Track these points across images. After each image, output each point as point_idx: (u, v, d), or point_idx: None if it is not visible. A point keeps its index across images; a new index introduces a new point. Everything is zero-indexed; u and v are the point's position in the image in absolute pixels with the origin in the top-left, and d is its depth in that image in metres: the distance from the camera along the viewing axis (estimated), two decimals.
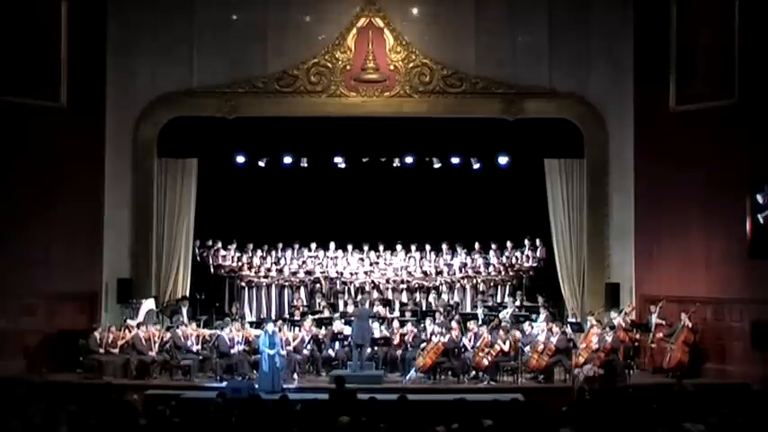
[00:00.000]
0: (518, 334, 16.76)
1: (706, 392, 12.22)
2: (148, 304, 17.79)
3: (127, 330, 16.86)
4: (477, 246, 19.52)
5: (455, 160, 19.25)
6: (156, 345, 16.61)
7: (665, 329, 17.04)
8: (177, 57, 18.54)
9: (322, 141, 18.84)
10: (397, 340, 17.11)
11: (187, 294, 18.76)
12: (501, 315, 17.99)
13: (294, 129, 18.69)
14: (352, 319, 17.09)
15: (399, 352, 16.97)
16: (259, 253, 19.66)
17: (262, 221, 20.03)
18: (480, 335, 16.60)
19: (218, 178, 19.51)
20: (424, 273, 19.39)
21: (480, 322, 17.58)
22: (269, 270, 19.45)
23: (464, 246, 19.59)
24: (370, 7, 18.58)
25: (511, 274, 19.27)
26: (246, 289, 19.55)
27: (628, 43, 18.46)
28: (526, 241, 19.38)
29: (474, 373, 16.47)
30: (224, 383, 15.47)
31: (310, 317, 17.79)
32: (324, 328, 17.47)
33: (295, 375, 16.35)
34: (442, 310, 18.31)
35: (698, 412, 9.27)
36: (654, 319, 17.27)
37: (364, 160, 19.57)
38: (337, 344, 17.12)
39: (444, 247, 19.68)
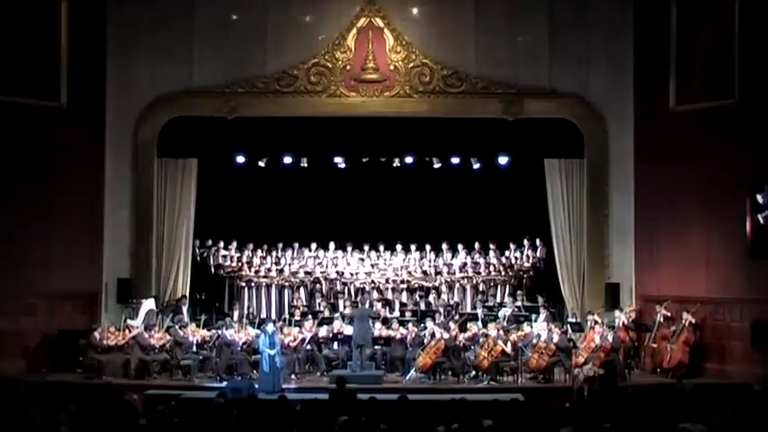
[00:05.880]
0: (518, 334, 16.78)
1: (706, 392, 12.21)
2: (148, 304, 17.79)
3: (127, 330, 16.87)
4: (477, 246, 19.51)
5: (455, 160, 19.25)
6: (157, 345, 16.61)
7: (669, 329, 17.03)
8: (177, 57, 18.53)
9: (322, 141, 18.83)
10: (396, 339, 17.12)
11: (187, 294, 18.77)
12: (499, 315, 18.01)
13: (294, 129, 18.68)
14: (353, 319, 17.08)
15: (399, 352, 16.98)
16: (259, 253, 19.65)
17: (262, 221, 20.03)
18: (483, 334, 16.63)
19: (218, 178, 19.51)
20: (424, 273, 19.39)
21: (481, 323, 17.59)
22: (269, 270, 19.46)
23: (464, 246, 19.58)
24: (370, 7, 18.58)
25: (511, 274, 19.27)
26: (246, 289, 19.55)
27: (628, 43, 18.46)
28: (526, 241, 19.38)
29: (474, 373, 16.48)
30: (224, 383, 15.48)
31: (310, 317, 17.80)
32: (324, 327, 17.47)
33: (292, 376, 16.30)
34: (441, 310, 18.32)
35: (698, 412, 9.26)
36: (659, 319, 17.25)
37: (364, 160, 19.57)
38: (336, 344, 17.12)
39: (444, 247, 19.68)
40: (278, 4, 18.65)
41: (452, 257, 19.58)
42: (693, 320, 16.78)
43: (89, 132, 18.32)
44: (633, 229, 18.45)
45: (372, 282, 19.45)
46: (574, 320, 17.85)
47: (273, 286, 19.59)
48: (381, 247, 19.85)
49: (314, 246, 19.91)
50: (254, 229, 19.99)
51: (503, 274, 19.27)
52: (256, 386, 15.06)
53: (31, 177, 17.39)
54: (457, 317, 17.90)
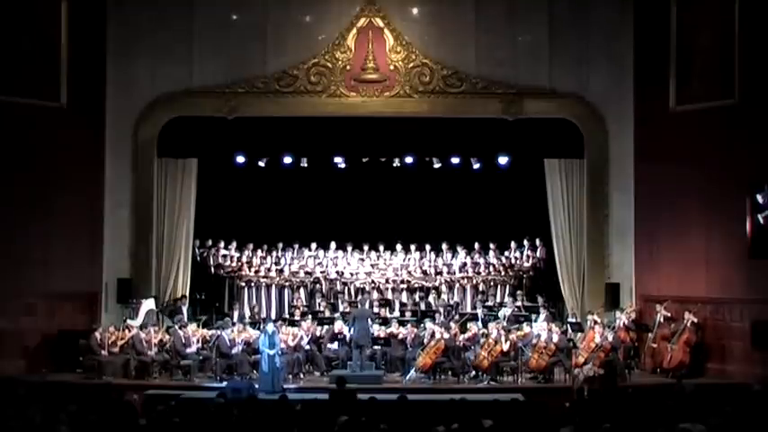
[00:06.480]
0: (518, 334, 16.79)
1: (706, 392, 12.21)
2: (148, 304, 17.79)
3: (127, 330, 16.87)
4: (476, 246, 19.50)
5: (455, 160, 19.25)
6: (156, 345, 16.61)
7: (669, 329, 17.03)
8: (177, 57, 18.53)
9: (322, 141, 18.84)
10: (396, 339, 17.13)
11: (187, 294, 18.77)
12: (499, 315, 18.02)
13: (294, 129, 18.69)
14: (353, 319, 17.07)
15: (399, 352, 16.98)
16: (259, 253, 19.66)
17: (262, 221, 20.04)
18: (483, 333, 16.64)
19: (218, 178, 19.52)
20: (424, 273, 19.39)
21: (481, 323, 17.60)
22: (269, 270, 19.46)
23: (464, 246, 19.58)
24: (370, 7, 18.58)
25: (511, 274, 19.27)
26: (246, 289, 19.55)
27: (628, 43, 18.47)
28: (526, 241, 19.38)
29: (474, 373, 16.48)
30: (224, 383, 15.47)
31: (310, 317, 17.80)
32: (323, 327, 17.48)
33: (289, 376, 16.25)
34: (442, 310, 18.32)
35: (698, 412, 9.27)
36: (659, 319, 17.25)
37: (364, 160, 19.57)
38: (337, 344, 17.12)
39: (444, 247, 19.68)
40: (278, 4, 18.66)
41: (452, 257, 19.59)
42: (695, 320, 16.78)
43: (89, 132, 18.32)
44: (633, 229, 18.45)
45: (372, 282, 19.46)
46: (574, 320, 17.85)
47: (273, 286, 19.60)
48: (381, 247, 19.86)
49: (314, 246, 19.91)
50: (254, 229, 20.00)
51: (503, 274, 19.27)
52: (256, 386, 15.06)
53: (31, 177, 17.39)
54: (457, 317, 17.91)
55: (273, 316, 18.70)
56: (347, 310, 18.32)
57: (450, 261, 19.51)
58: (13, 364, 16.64)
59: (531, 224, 19.32)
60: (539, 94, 18.52)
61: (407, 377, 16.37)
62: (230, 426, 9.39)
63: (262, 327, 16.47)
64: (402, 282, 19.43)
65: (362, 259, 19.77)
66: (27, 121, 17.49)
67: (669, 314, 17.20)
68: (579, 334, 17.06)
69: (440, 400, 12.24)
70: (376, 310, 18.32)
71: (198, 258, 19.57)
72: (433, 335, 16.52)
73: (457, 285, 19.39)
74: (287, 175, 19.69)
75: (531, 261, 19.25)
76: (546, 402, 11.35)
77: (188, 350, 16.45)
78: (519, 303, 18.49)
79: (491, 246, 19.42)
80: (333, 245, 19.89)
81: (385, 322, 17.92)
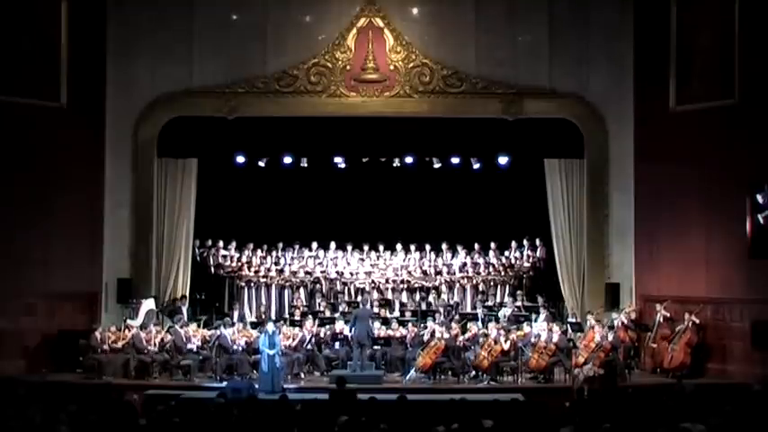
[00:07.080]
0: (518, 334, 16.79)
1: (706, 392, 12.22)
2: (148, 304, 17.79)
3: (127, 330, 16.87)
4: (476, 246, 19.50)
5: (455, 160, 19.25)
6: (156, 345, 16.62)
7: (669, 329, 17.03)
8: (177, 57, 18.54)
9: (322, 141, 18.84)
10: (396, 339, 17.14)
11: (187, 294, 18.77)
12: (499, 315, 18.02)
13: (294, 129, 18.70)
14: (354, 318, 17.07)
15: (399, 352, 16.98)
16: (259, 253, 19.66)
17: (262, 221, 20.04)
18: (483, 333, 16.64)
19: (218, 178, 19.52)
20: (424, 273, 19.39)
21: (481, 323, 17.60)
22: (269, 270, 19.46)
23: (464, 246, 19.58)
24: (370, 7, 18.59)
25: (511, 274, 19.27)
26: (246, 289, 19.55)
27: (628, 43, 18.47)
28: (526, 241, 19.37)
29: (474, 373, 16.48)
30: (224, 383, 15.48)
31: (310, 317, 17.80)
32: (324, 327, 17.48)
33: (288, 377, 16.24)
34: (441, 310, 18.32)
35: (698, 412, 9.27)
36: (659, 319, 17.25)
37: (364, 160, 19.58)
38: (337, 344, 17.12)
39: (444, 247, 19.68)
40: (278, 4, 18.66)
41: (452, 257, 19.58)
42: (697, 321, 16.78)
43: (89, 132, 18.33)
44: (633, 229, 18.45)
45: (372, 282, 19.45)
46: (574, 320, 17.85)
47: (273, 286, 19.59)
48: (381, 247, 19.85)
49: (314, 246, 19.90)
50: (254, 229, 19.99)
51: (503, 274, 19.27)
52: (256, 386, 15.06)
53: (31, 177, 17.40)
54: (457, 317, 17.91)
55: (273, 316, 18.70)
56: (347, 310, 18.32)
57: (451, 261, 19.50)
58: (13, 364, 16.65)
59: (531, 224, 19.32)
60: (539, 94, 18.53)
61: (407, 377, 16.37)
62: (230, 426, 9.40)
63: (260, 327, 16.45)
64: (402, 282, 19.43)
65: (362, 259, 19.77)
66: (27, 121, 17.50)
67: (669, 314, 17.21)
68: (579, 334, 17.06)
69: (440, 400, 12.25)
70: (376, 310, 18.32)
71: (198, 258, 19.57)
72: (433, 335, 16.53)
73: (457, 285, 19.39)
74: (287, 175, 19.69)
75: (531, 261, 19.25)
76: (546, 402, 11.35)
77: (190, 346, 16.43)
78: (519, 303, 18.49)
79: (491, 246, 19.41)
80: (333, 245, 19.88)
81: (385, 322, 17.92)
